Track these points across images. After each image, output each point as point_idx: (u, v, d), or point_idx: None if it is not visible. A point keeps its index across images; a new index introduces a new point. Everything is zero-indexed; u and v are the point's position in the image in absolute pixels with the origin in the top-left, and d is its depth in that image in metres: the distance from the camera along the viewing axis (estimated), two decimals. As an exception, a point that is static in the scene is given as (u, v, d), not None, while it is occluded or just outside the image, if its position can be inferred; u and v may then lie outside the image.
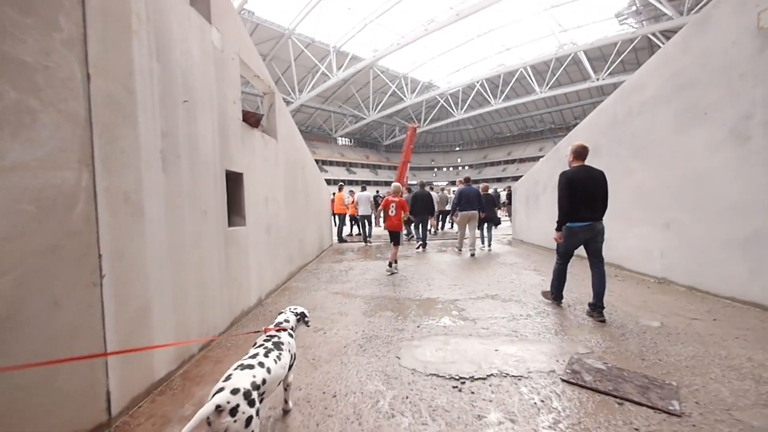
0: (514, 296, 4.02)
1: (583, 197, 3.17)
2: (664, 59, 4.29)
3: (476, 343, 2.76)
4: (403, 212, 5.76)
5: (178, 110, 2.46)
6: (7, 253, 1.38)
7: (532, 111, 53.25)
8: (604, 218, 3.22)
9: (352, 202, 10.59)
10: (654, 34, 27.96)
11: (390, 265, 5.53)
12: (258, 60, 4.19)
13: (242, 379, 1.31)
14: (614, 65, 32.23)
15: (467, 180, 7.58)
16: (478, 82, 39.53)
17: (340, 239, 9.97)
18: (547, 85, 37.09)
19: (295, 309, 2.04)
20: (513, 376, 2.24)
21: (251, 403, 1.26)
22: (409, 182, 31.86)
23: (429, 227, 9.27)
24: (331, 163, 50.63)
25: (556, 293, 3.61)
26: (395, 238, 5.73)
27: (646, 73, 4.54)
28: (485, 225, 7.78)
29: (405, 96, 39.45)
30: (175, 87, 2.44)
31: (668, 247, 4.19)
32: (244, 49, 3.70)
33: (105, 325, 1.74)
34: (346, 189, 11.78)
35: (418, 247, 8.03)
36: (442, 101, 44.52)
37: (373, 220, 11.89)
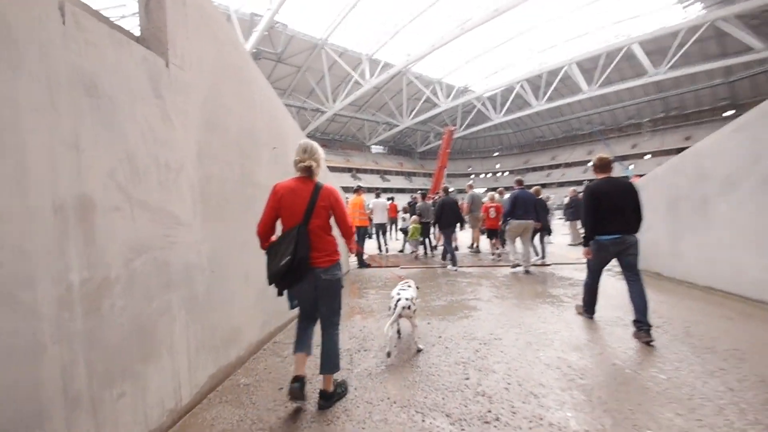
0: None
1: (609, 209, 3.15)
2: None
3: None
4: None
5: None
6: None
7: (578, 112, 49.36)
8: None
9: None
10: (726, 20, 24.27)
11: (496, 253, 7.74)
12: None
13: (408, 293, 2.95)
14: (675, 58, 28.38)
15: (520, 183, 6.39)
16: (517, 84, 37.14)
17: (361, 263, 7.22)
18: (596, 83, 33.87)
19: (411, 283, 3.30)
20: None
21: (413, 303, 2.91)
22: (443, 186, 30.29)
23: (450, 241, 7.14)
24: (365, 171, 50.40)
25: (587, 307, 3.63)
26: (494, 234, 7.84)
27: None
28: (538, 235, 6.84)
29: (439, 101, 38.02)
30: None
31: None
32: None
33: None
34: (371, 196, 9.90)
35: (453, 266, 6.56)
36: (479, 105, 42.44)
37: (388, 231, 10.34)
